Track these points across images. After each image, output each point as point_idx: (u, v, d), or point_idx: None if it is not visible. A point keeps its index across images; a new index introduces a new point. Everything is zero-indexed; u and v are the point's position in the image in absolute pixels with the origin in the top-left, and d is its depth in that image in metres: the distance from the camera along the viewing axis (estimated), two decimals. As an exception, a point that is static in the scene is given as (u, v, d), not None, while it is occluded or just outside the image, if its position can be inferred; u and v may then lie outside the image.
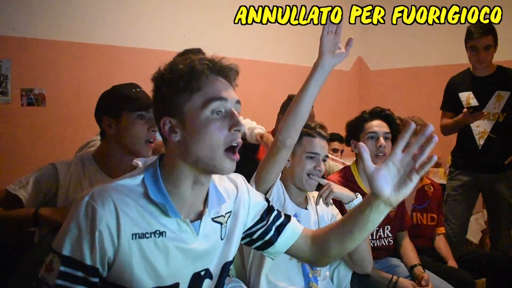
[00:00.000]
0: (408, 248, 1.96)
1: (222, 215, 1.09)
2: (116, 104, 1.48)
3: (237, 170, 1.04)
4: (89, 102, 2.60)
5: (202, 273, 1.04)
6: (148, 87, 3.28)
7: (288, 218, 1.19)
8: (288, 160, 1.62)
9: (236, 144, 0.97)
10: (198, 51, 1.83)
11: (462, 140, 2.62)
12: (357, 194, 1.61)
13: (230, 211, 1.12)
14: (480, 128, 2.64)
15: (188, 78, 0.96)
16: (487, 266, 2.06)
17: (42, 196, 1.43)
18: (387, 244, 1.93)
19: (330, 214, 1.71)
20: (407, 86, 2.96)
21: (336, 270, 1.72)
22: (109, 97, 1.53)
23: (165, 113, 0.98)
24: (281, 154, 1.48)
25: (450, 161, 2.89)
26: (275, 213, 1.19)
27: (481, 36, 2.53)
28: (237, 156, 0.98)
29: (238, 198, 1.14)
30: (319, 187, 1.66)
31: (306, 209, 1.66)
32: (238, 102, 1.01)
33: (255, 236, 1.17)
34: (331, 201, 1.63)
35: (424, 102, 3.77)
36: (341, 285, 1.70)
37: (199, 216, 1.04)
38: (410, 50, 3.03)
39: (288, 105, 2.26)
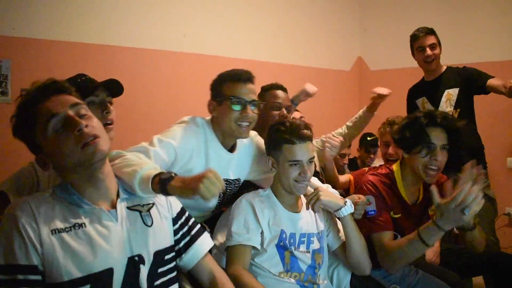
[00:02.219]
0: None
1: (139, 204, 1.19)
2: None
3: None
4: (89, 102, 2.61)
5: (136, 258, 1.11)
6: (147, 87, 3.30)
7: (194, 238, 1.29)
8: (274, 167, 1.62)
9: (87, 141, 1.05)
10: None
11: None
12: (346, 201, 1.58)
13: (152, 203, 1.22)
14: None
15: (23, 118, 1.09)
16: (484, 264, 2.05)
17: (26, 193, 1.48)
18: None
19: (326, 215, 1.71)
20: (407, 86, 2.95)
21: (335, 270, 1.72)
22: None
23: (35, 154, 1.11)
24: None
25: None
26: (186, 228, 1.29)
27: (425, 35, 2.70)
28: (94, 141, 1.06)
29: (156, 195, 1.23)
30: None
31: (299, 212, 1.65)
32: (74, 104, 1.09)
33: (177, 236, 1.27)
34: (319, 209, 1.62)
35: (424, 102, 3.76)
36: (340, 285, 1.69)
37: (115, 206, 1.14)
38: (410, 50, 3.02)
39: (266, 92, 2.19)
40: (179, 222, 1.28)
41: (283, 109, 2.20)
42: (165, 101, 3.05)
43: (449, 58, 2.84)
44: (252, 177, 1.87)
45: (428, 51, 2.69)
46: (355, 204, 1.65)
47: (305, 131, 1.57)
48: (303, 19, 4.01)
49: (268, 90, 2.27)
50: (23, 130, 1.11)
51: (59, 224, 1.04)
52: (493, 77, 2.62)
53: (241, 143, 1.81)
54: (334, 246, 1.69)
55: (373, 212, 1.71)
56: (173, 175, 1.17)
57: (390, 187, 1.81)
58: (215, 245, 1.61)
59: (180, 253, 1.27)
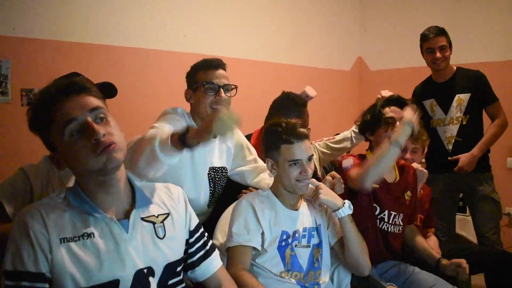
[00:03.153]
0: (424, 243, 2.00)
1: (153, 215, 1.17)
2: None
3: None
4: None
5: (145, 270, 1.10)
6: (147, 87, 3.30)
7: (209, 252, 1.30)
8: (274, 169, 1.62)
9: (103, 148, 1.03)
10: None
11: (432, 145, 2.64)
12: (345, 202, 1.59)
13: (167, 213, 1.20)
14: (447, 134, 2.73)
15: (40, 116, 1.06)
16: (483, 261, 2.07)
17: (20, 200, 1.47)
18: (397, 231, 1.93)
19: (326, 216, 1.72)
20: (407, 86, 2.95)
21: (336, 270, 1.72)
22: None
23: (49, 150, 1.11)
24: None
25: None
26: (202, 241, 1.29)
27: (435, 37, 2.64)
28: (109, 148, 1.04)
29: (175, 204, 1.23)
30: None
31: (297, 210, 1.65)
32: (94, 109, 1.07)
33: (192, 249, 1.27)
34: (318, 206, 1.64)
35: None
36: (341, 285, 1.69)
37: (128, 216, 1.11)
38: (410, 50, 3.02)
39: (283, 104, 2.29)
40: (195, 236, 1.28)
41: None
42: (165, 101, 3.05)
43: (451, 58, 2.84)
44: (233, 167, 1.96)
45: (438, 54, 2.64)
46: (333, 184, 1.71)
47: (301, 129, 1.57)
48: (303, 19, 4.01)
49: (305, 107, 2.28)
50: (39, 126, 1.08)
51: (68, 233, 1.03)
52: (496, 100, 2.67)
53: None
54: (331, 242, 1.70)
55: (349, 165, 1.87)
56: (188, 128, 1.26)
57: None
58: (215, 245, 1.61)
59: (193, 266, 1.26)
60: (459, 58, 2.88)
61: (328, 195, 1.59)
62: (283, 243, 1.56)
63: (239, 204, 1.60)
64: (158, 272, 1.12)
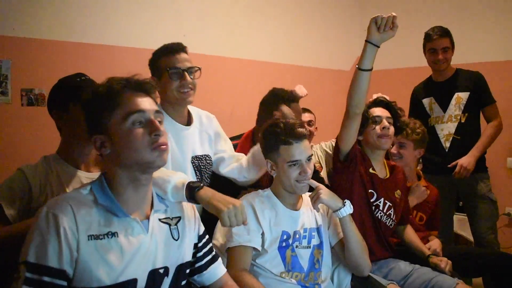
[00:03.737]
0: (417, 240, 2.04)
1: (169, 217, 1.22)
2: (62, 96, 1.50)
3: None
4: (89, 102, 2.60)
5: (161, 270, 1.14)
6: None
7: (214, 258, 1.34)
8: (274, 169, 1.61)
9: (159, 145, 1.08)
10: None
11: (429, 144, 2.62)
12: (345, 202, 1.60)
13: (179, 217, 1.24)
14: (445, 131, 2.74)
15: (107, 97, 1.09)
16: (485, 264, 2.07)
17: (18, 202, 1.43)
18: (389, 225, 1.97)
19: (327, 216, 1.72)
20: (407, 86, 2.96)
21: (336, 270, 1.72)
22: (55, 90, 1.55)
23: (94, 132, 1.11)
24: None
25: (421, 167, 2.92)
26: (208, 246, 1.34)
27: (439, 38, 2.65)
28: (163, 148, 1.09)
29: (185, 208, 1.28)
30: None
31: (298, 210, 1.65)
32: (157, 112, 1.13)
33: (200, 253, 1.31)
34: (319, 207, 1.64)
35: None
36: (341, 285, 1.70)
37: (147, 217, 1.15)
38: (410, 50, 3.03)
39: (273, 101, 2.25)
40: (203, 241, 1.32)
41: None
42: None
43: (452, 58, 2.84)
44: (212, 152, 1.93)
45: (440, 55, 2.65)
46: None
47: (300, 129, 1.57)
48: (303, 19, 4.01)
49: (293, 102, 2.21)
50: (98, 107, 1.10)
51: (94, 230, 1.05)
52: (494, 102, 2.67)
53: (200, 120, 1.89)
54: (332, 242, 1.70)
55: None
56: (201, 185, 1.27)
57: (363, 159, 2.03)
58: (215, 245, 1.61)
59: (201, 270, 1.31)
60: (459, 58, 2.88)
61: (328, 195, 1.59)
62: (284, 244, 1.56)
63: None
64: (171, 272, 1.17)
